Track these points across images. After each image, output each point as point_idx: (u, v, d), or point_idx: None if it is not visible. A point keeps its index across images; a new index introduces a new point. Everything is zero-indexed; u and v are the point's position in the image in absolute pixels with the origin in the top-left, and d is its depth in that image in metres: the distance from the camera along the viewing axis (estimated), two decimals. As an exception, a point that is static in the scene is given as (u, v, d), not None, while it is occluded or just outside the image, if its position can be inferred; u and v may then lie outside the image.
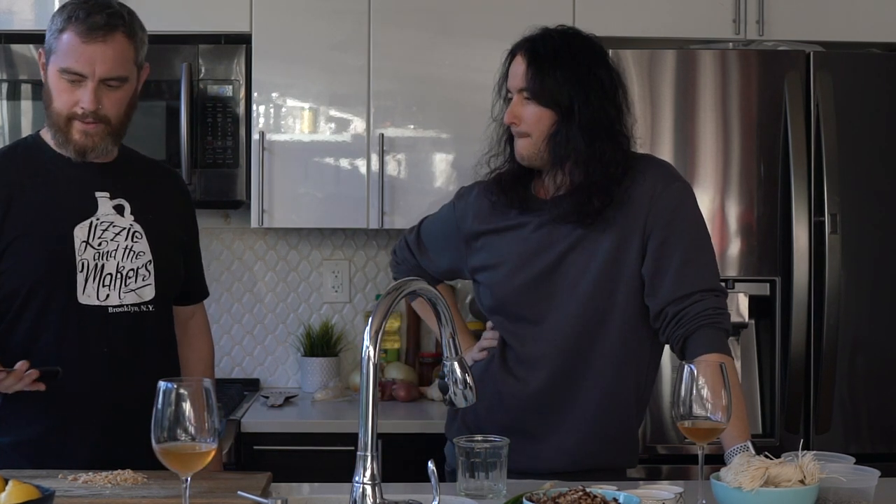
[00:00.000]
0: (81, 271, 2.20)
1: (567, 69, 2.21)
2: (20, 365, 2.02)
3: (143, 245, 2.28)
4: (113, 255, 2.23)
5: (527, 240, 2.28)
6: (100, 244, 2.23)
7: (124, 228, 2.26)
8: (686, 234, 2.22)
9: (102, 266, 2.22)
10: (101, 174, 2.28)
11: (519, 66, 2.24)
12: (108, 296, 2.22)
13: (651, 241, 2.21)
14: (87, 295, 2.20)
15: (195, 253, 2.52)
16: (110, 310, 2.23)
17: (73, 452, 2.18)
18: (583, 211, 2.20)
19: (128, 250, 2.25)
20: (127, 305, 2.24)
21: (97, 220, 2.24)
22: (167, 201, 2.41)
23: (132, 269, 2.26)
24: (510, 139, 2.31)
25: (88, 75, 2.17)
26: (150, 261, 2.28)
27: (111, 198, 2.27)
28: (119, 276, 2.24)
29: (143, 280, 2.27)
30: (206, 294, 2.57)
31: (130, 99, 2.26)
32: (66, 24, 2.17)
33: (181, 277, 2.41)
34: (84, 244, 2.21)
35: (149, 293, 2.28)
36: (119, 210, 2.27)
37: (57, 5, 3.45)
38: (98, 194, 2.26)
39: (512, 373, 2.29)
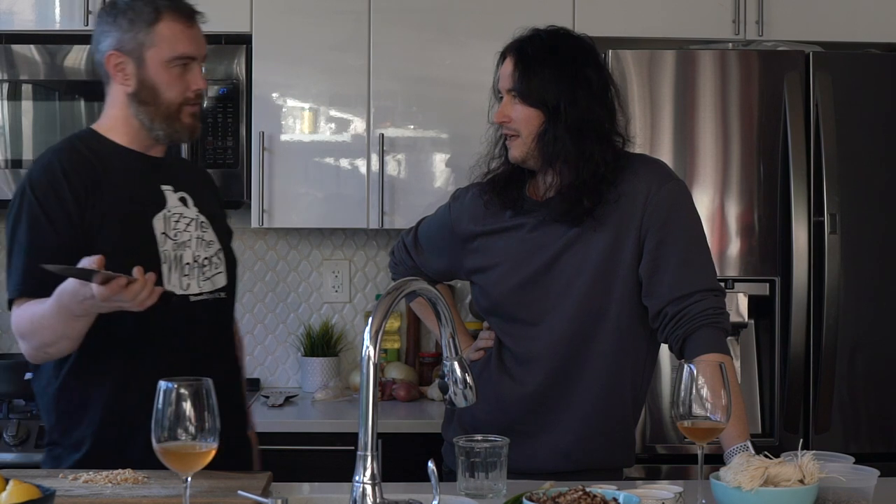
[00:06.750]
0: (165, 262, 2.21)
1: (554, 69, 2.21)
2: (138, 271, 1.93)
3: (211, 234, 2.32)
4: (188, 244, 2.26)
5: (522, 241, 2.28)
6: (175, 235, 2.25)
7: (193, 219, 2.29)
8: (683, 234, 2.22)
9: (181, 256, 2.24)
10: (161, 168, 2.31)
11: (507, 66, 2.26)
12: (188, 285, 2.24)
13: (647, 242, 2.21)
14: (172, 285, 2.21)
15: None
16: (192, 298, 2.24)
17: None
18: (573, 211, 2.21)
19: (200, 240, 2.29)
20: (206, 294, 2.27)
21: (168, 211, 2.26)
22: (213, 194, 2.46)
23: (206, 258, 2.29)
24: (505, 140, 2.32)
25: (198, 56, 2.25)
26: (219, 249, 2.33)
27: (174, 191, 2.30)
28: (196, 264, 2.26)
29: (216, 268, 2.31)
30: None
31: None
32: (158, 16, 2.21)
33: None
34: (163, 235, 2.23)
35: (221, 280, 2.32)
36: (184, 202, 2.30)
37: (58, 6, 3.46)
38: (163, 187, 2.28)
39: (508, 373, 2.29)
